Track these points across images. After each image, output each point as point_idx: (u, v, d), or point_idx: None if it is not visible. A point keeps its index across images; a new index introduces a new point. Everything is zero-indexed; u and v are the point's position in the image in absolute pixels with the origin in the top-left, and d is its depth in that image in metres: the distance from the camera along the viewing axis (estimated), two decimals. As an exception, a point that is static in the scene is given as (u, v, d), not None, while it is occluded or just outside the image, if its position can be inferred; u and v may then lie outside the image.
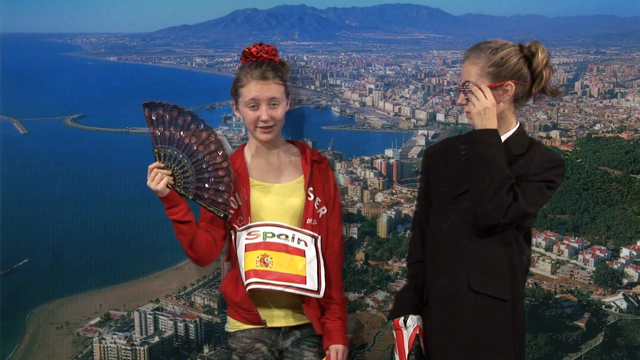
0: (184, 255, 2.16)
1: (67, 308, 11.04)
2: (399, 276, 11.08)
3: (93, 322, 10.96)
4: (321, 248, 2.14)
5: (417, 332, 2.08)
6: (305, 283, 2.08)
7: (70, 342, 10.82)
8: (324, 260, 2.13)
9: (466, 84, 2.00)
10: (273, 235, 2.10)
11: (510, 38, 2.03)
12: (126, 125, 12.78)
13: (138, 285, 11.30)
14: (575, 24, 14.17)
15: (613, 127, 11.76)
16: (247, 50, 2.16)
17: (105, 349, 10.47)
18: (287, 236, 2.11)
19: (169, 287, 11.29)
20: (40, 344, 10.79)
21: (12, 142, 12.45)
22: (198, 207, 2.09)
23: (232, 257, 2.19)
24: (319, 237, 2.15)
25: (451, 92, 13.07)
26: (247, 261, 2.08)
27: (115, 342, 10.44)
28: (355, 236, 11.62)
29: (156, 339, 10.53)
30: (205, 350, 10.51)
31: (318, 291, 2.09)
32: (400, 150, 12.58)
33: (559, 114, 12.25)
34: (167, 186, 2.00)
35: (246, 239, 2.11)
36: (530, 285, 10.16)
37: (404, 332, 2.09)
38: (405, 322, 2.10)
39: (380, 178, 12.20)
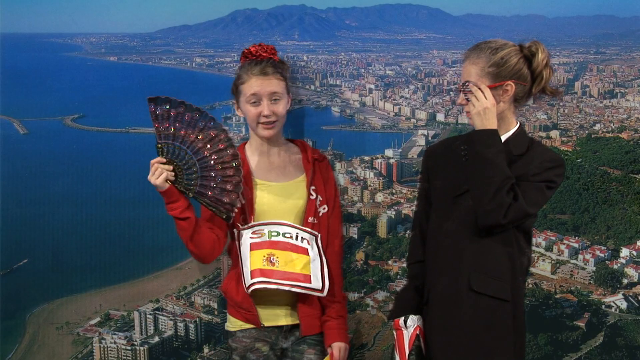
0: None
1: (67, 308, 11.05)
2: (399, 276, 11.09)
3: (93, 322, 10.97)
4: (322, 246, 2.15)
5: (418, 332, 2.07)
6: (310, 282, 2.08)
7: (70, 342, 10.82)
8: (325, 258, 2.13)
9: (466, 84, 2.00)
10: (278, 234, 2.10)
11: (510, 38, 2.03)
12: (126, 125, 12.78)
13: (138, 285, 11.30)
14: (575, 24, 14.18)
15: (613, 127, 11.77)
16: (246, 50, 2.16)
17: (105, 349, 10.48)
18: (291, 235, 2.11)
19: (169, 287, 11.30)
20: (40, 344, 10.79)
21: (12, 142, 12.45)
22: (199, 204, 2.08)
23: (233, 256, 2.19)
24: (319, 235, 2.15)
25: (451, 92, 13.07)
26: (253, 260, 2.08)
27: (115, 342, 10.44)
28: (355, 236, 11.62)
29: (156, 339, 10.53)
30: (205, 350, 10.51)
31: (322, 290, 2.09)
32: (400, 150, 12.59)
33: (559, 114, 12.25)
34: (167, 182, 1.98)
35: (251, 237, 2.10)
36: (530, 285, 10.17)
37: (404, 332, 2.09)
38: (405, 322, 2.10)
39: (380, 178, 12.21)
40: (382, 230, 11.56)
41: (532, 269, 9.86)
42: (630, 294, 10.05)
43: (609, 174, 11.00)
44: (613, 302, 10.01)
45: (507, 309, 1.97)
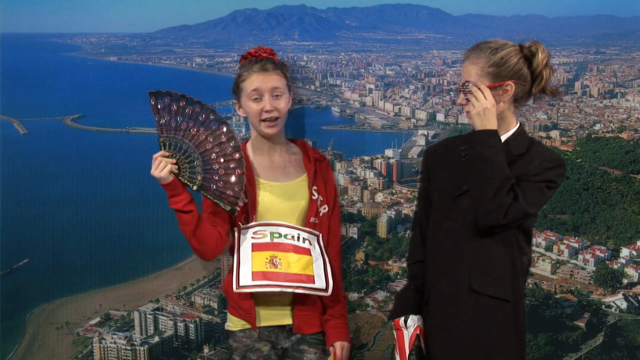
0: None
1: (67, 308, 11.04)
2: (399, 276, 11.09)
3: (93, 322, 10.96)
4: (323, 246, 2.15)
5: (418, 332, 2.07)
6: (314, 282, 2.08)
7: (70, 342, 10.82)
8: (327, 258, 2.14)
9: (466, 84, 2.00)
10: (280, 235, 2.10)
11: (510, 38, 2.03)
12: (126, 125, 12.78)
13: (138, 285, 11.30)
14: (575, 24, 14.18)
15: (613, 127, 11.77)
16: (245, 53, 2.17)
17: (105, 349, 10.48)
18: (293, 236, 2.11)
19: (169, 287, 11.29)
20: (40, 344, 10.79)
21: (12, 142, 12.45)
22: (201, 200, 2.07)
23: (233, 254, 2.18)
24: (320, 235, 2.15)
25: (451, 92, 13.08)
26: (255, 262, 2.08)
27: (115, 342, 10.44)
28: (355, 236, 11.61)
29: (156, 339, 10.53)
30: (205, 350, 10.51)
31: (327, 289, 2.09)
32: (400, 150, 12.59)
33: (559, 114, 12.25)
34: (171, 174, 1.98)
35: (252, 238, 2.10)
36: (530, 285, 10.16)
37: (405, 332, 2.09)
38: (405, 322, 2.10)
39: (380, 178, 12.20)
40: (382, 230, 11.56)
41: (532, 269, 9.86)
42: (630, 294, 10.05)
43: (609, 174, 11.00)
44: (613, 302, 10.01)
45: (508, 309, 1.97)
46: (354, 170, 12.31)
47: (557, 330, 9.81)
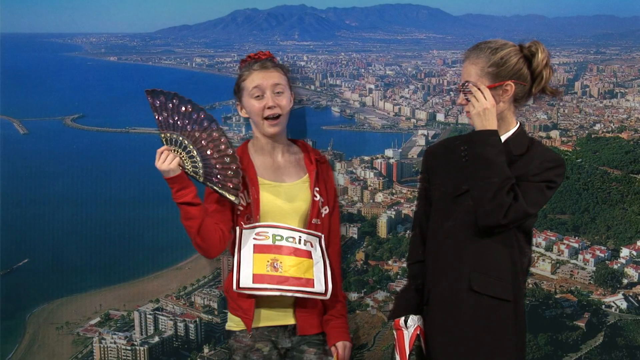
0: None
1: (67, 308, 11.05)
2: (399, 276, 11.10)
3: (93, 322, 10.97)
4: (324, 247, 2.15)
5: (418, 332, 2.07)
6: (314, 286, 2.08)
7: (70, 342, 10.82)
8: (328, 260, 2.14)
9: (466, 84, 2.00)
10: (282, 238, 2.10)
11: (510, 38, 2.03)
12: (126, 125, 12.79)
13: (138, 285, 11.31)
14: (575, 24, 14.19)
15: (613, 127, 11.77)
16: (245, 57, 2.19)
17: (105, 349, 10.48)
18: (294, 238, 2.11)
19: (169, 287, 11.30)
20: (40, 344, 10.80)
21: (12, 142, 12.46)
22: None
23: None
24: (322, 236, 2.15)
25: (451, 92, 13.08)
26: (257, 264, 2.08)
27: (115, 342, 10.44)
28: (355, 236, 11.62)
29: (156, 339, 10.53)
30: (205, 350, 10.52)
31: (325, 293, 2.10)
32: (400, 150, 12.60)
33: (559, 114, 12.26)
34: (179, 166, 2.00)
35: (254, 239, 2.10)
36: (530, 285, 10.17)
37: (405, 332, 2.09)
38: (405, 322, 2.10)
39: (380, 178, 12.21)
40: (382, 230, 11.57)
41: (532, 269, 9.86)
42: (630, 294, 10.05)
43: (609, 174, 11.01)
44: (613, 302, 10.01)
45: (508, 309, 1.97)
46: (354, 170, 12.31)
47: (557, 330, 9.81)
